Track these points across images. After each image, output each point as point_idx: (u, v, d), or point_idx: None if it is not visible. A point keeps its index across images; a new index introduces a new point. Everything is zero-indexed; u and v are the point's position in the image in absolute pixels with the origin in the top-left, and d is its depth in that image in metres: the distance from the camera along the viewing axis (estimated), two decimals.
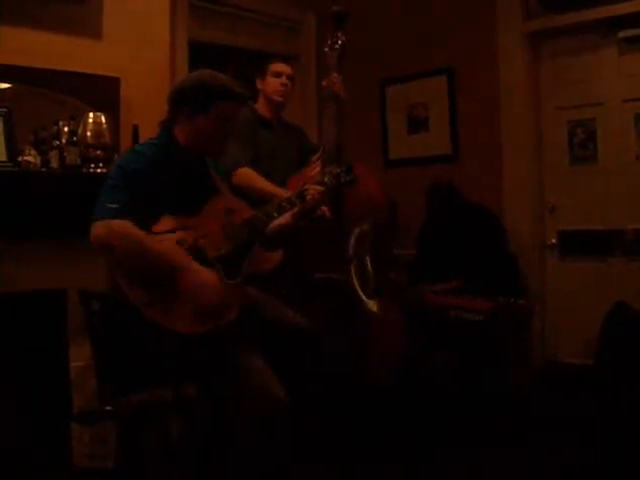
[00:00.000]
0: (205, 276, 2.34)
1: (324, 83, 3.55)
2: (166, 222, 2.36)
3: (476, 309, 3.72)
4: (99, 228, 2.24)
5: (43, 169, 3.35)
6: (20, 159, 3.28)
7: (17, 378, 3.26)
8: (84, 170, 3.42)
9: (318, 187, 2.64)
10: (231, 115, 2.50)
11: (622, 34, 4.22)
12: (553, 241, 4.58)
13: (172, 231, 2.36)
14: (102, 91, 3.64)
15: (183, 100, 2.48)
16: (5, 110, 3.28)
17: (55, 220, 3.30)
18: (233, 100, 2.49)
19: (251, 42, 5.13)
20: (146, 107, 3.62)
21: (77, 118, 3.49)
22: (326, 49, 3.56)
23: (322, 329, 2.75)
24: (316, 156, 3.53)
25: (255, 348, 2.44)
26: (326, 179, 2.68)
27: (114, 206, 2.26)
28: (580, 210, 4.48)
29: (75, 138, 3.43)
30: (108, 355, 2.50)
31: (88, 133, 3.46)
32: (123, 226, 2.24)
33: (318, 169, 3.38)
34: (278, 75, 3.60)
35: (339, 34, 3.53)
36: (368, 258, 3.51)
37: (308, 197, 2.58)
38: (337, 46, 3.52)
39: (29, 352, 3.30)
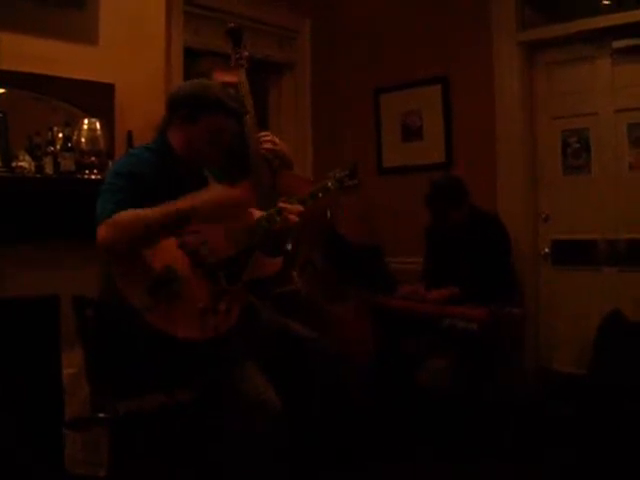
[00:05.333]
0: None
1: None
2: None
3: (470, 317, 3.71)
4: (102, 229, 2.21)
5: (37, 175, 3.34)
6: (14, 164, 3.27)
7: (9, 384, 3.23)
8: (78, 176, 3.42)
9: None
10: (221, 128, 2.49)
11: (615, 45, 4.24)
12: (547, 250, 4.59)
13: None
14: (97, 97, 3.63)
15: (176, 108, 2.49)
16: None
17: (48, 226, 3.29)
18: (223, 113, 2.48)
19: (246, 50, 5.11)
20: (141, 114, 3.61)
21: (72, 124, 3.48)
22: (232, 66, 3.46)
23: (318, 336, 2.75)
24: None
25: (252, 355, 2.44)
26: (329, 184, 2.67)
27: (112, 206, 2.24)
28: (573, 219, 4.49)
29: (69, 144, 3.42)
30: (101, 361, 2.49)
31: (83, 139, 3.45)
32: (123, 214, 2.21)
33: None
34: None
35: (240, 49, 3.44)
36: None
37: (320, 195, 2.58)
38: (242, 62, 3.43)
39: (21, 358, 3.28)
